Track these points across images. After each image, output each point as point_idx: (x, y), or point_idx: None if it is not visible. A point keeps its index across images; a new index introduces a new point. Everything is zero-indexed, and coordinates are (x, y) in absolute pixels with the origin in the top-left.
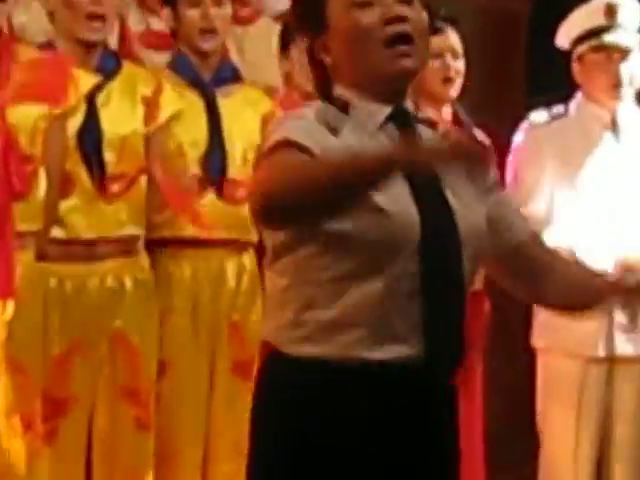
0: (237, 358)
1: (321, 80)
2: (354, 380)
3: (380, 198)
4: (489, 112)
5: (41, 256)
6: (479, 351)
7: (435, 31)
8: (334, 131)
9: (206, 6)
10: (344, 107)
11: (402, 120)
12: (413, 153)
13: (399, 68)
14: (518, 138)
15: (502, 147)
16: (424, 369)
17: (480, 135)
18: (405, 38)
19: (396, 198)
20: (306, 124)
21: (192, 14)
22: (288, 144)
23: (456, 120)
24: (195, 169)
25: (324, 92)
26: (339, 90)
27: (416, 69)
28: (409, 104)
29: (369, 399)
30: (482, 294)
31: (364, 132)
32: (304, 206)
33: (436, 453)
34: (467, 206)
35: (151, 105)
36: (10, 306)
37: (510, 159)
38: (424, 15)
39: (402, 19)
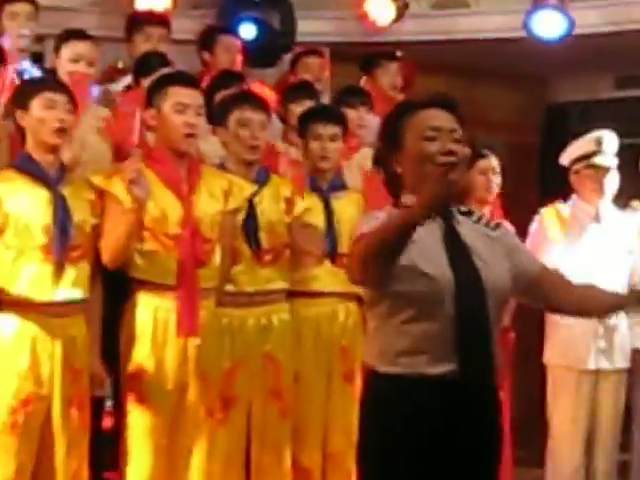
0: (345, 370)
1: (392, 184)
2: (419, 388)
3: (425, 265)
4: (514, 208)
5: (218, 303)
6: (506, 370)
7: (481, 156)
8: None
9: (324, 141)
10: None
11: (446, 214)
12: (418, 203)
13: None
14: (533, 226)
15: (522, 232)
16: (463, 380)
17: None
18: (452, 164)
19: (436, 264)
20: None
21: (315, 147)
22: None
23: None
24: None
25: (394, 193)
26: (405, 194)
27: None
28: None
29: (429, 400)
30: (509, 329)
31: (426, 229)
32: (377, 255)
33: (484, 437)
34: (490, 265)
35: (289, 203)
36: (196, 340)
37: (527, 240)
38: (467, 149)
39: (452, 153)
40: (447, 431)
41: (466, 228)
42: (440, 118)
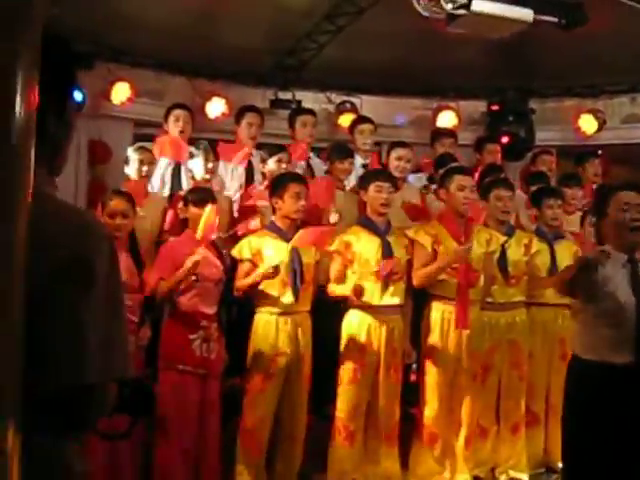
0: (561, 353)
1: (599, 237)
2: (606, 372)
3: (615, 290)
4: None
5: (482, 308)
6: None
7: None
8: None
9: (554, 209)
10: (608, 255)
11: (633, 260)
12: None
13: (632, 240)
14: None
15: None
16: (636, 368)
17: None
18: (638, 228)
19: (622, 289)
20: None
21: (549, 213)
22: None
23: None
24: None
25: (599, 242)
26: (606, 245)
27: None
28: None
29: (610, 381)
30: None
31: (617, 267)
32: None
33: None
34: None
35: (527, 247)
36: (467, 330)
37: None
38: None
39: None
40: (622, 404)
41: None
42: (630, 196)
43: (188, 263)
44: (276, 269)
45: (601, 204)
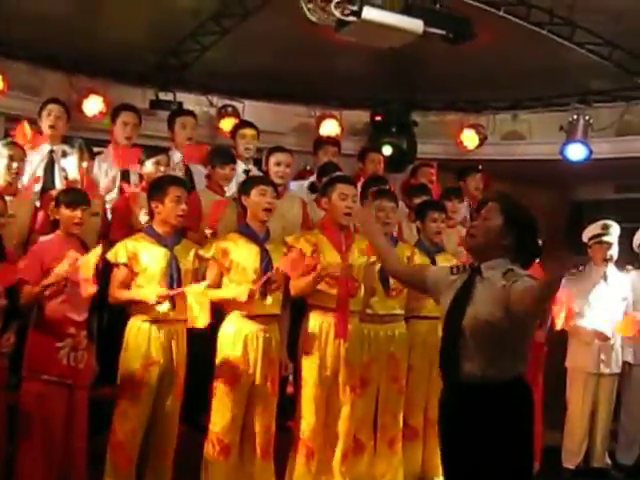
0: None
1: None
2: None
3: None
4: None
5: (361, 320)
6: (540, 373)
7: None
8: None
9: (437, 223)
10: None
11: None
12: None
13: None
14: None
15: None
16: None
17: None
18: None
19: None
20: None
21: (432, 226)
22: None
23: None
24: None
25: None
26: None
27: None
28: None
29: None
30: (542, 345)
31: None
32: None
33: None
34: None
35: (410, 260)
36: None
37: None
38: None
39: None
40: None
41: (485, 281)
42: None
43: (58, 270)
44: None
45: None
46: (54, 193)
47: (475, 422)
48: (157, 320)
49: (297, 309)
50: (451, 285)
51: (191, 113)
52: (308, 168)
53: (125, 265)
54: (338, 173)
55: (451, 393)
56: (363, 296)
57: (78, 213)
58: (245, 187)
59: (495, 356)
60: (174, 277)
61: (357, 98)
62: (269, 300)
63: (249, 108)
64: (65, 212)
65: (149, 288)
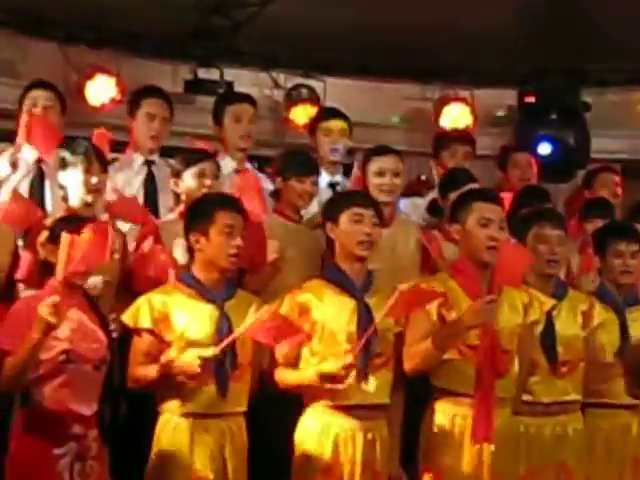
0: None
1: None
2: None
3: None
4: None
5: (515, 412)
6: None
7: None
8: None
9: (626, 258)
10: None
11: None
12: None
13: None
14: None
15: None
16: None
17: None
18: None
19: None
20: None
21: (617, 264)
22: None
23: None
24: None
25: None
26: None
27: None
28: None
29: None
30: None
31: None
32: None
33: None
34: None
35: (586, 317)
36: (491, 446)
37: None
38: None
39: None
40: None
41: None
42: None
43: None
44: (205, 365)
45: None
46: (47, 223)
47: None
48: (202, 414)
49: (415, 394)
50: None
51: (248, 98)
52: (424, 178)
53: (150, 331)
54: (473, 186)
55: None
56: (517, 375)
57: None
58: (332, 210)
59: None
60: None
61: (496, 70)
62: (372, 384)
63: (333, 89)
64: None
65: (187, 354)
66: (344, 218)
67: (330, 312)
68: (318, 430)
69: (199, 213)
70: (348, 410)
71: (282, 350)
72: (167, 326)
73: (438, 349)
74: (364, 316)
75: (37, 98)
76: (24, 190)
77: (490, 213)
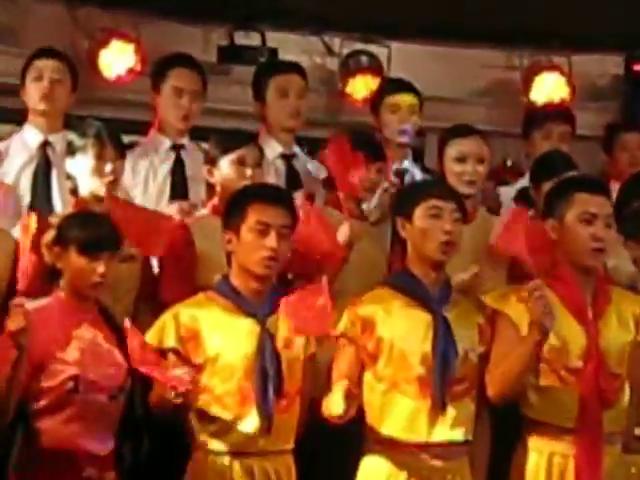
0: None
1: None
2: None
3: None
4: None
5: (626, 449)
6: None
7: None
8: None
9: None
10: None
11: None
12: None
13: None
14: None
15: None
16: None
17: None
18: None
19: None
20: None
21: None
22: None
23: None
24: None
25: None
26: None
27: None
28: None
29: None
30: None
31: None
32: None
33: None
34: None
35: None
36: None
37: None
38: None
39: None
40: None
41: None
42: None
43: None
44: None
45: None
46: (54, 221)
47: None
48: (242, 453)
49: (503, 428)
50: None
51: (296, 68)
52: (510, 163)
53: (176, 352)
54: (573, 173)
55: None
56: (628, 406)
57: (101, 264)
58: (403, 203)
59: None
60: (268, 372)
61: (598, 33)
62: (451, 414)
63: (400, 56)
64: (78, 260)
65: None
66: (419, 213)
67: (400, 328)
68: (385, 472)
69: (232, 207)
70: (422, 448)
71: (339, 371)
72: (196, 345)
73: (527, 367)
74: (442, 333)
75: (43, 69)
76: (27, 181)
77: (594, 207)
